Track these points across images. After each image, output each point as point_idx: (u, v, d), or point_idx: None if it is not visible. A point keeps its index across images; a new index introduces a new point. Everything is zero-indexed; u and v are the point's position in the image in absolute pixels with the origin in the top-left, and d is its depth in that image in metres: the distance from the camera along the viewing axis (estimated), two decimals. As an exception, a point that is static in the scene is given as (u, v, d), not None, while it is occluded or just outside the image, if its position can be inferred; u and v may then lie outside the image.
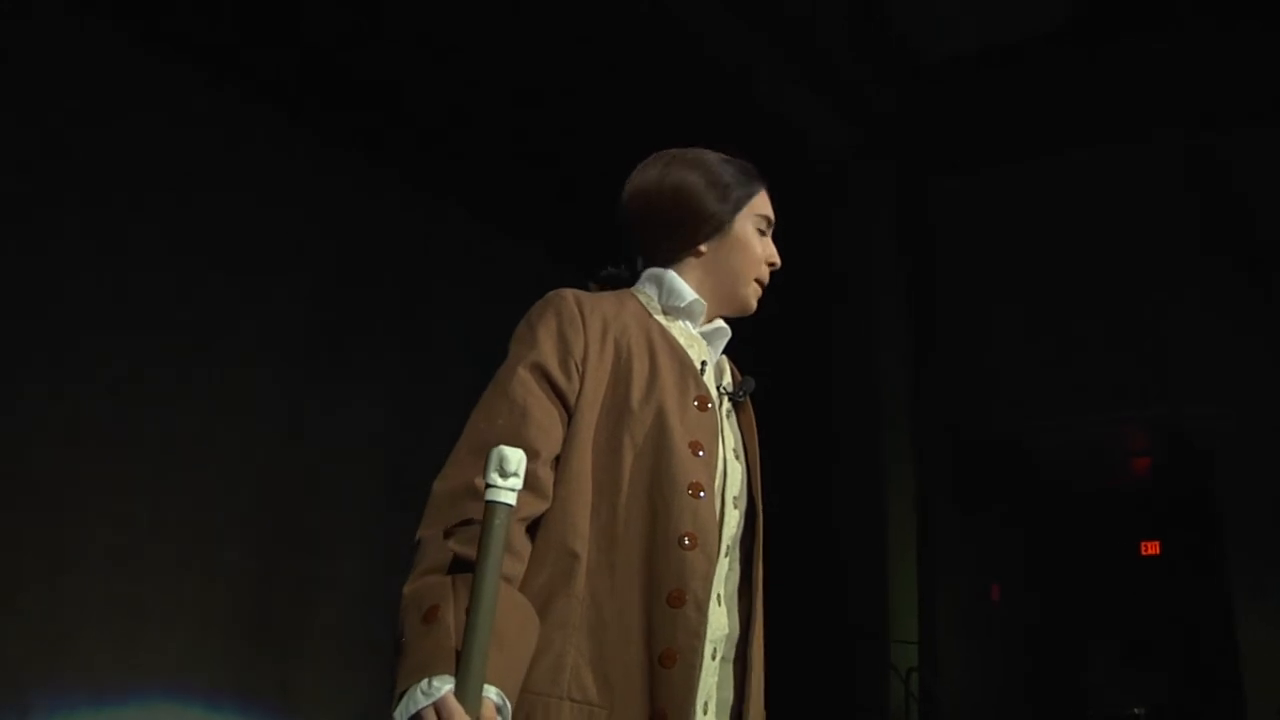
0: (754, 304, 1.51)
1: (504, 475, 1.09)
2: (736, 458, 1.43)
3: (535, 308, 1.37)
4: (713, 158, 1.49)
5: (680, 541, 1.28)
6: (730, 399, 1.47)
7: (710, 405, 1.38)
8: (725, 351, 1.55)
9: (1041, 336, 6.27)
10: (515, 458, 1.09)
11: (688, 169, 1.46)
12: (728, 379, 1.51)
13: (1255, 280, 5.92)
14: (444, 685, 1.06)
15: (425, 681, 1.06)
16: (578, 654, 1.23)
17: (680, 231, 1.46)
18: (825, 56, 5.77)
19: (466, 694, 1.05)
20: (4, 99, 3.88)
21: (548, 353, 1.31)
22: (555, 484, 1.27)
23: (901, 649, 6.16)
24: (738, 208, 1.47)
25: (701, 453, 1.34)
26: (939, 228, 6.72)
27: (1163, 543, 8.23)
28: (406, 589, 1.17)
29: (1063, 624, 8.46)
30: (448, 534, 1.19)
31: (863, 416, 6.40)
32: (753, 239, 1.48)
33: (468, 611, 1.08)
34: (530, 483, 1.22)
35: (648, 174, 1.48)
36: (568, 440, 1.29)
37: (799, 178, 6.17)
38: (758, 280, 1.49)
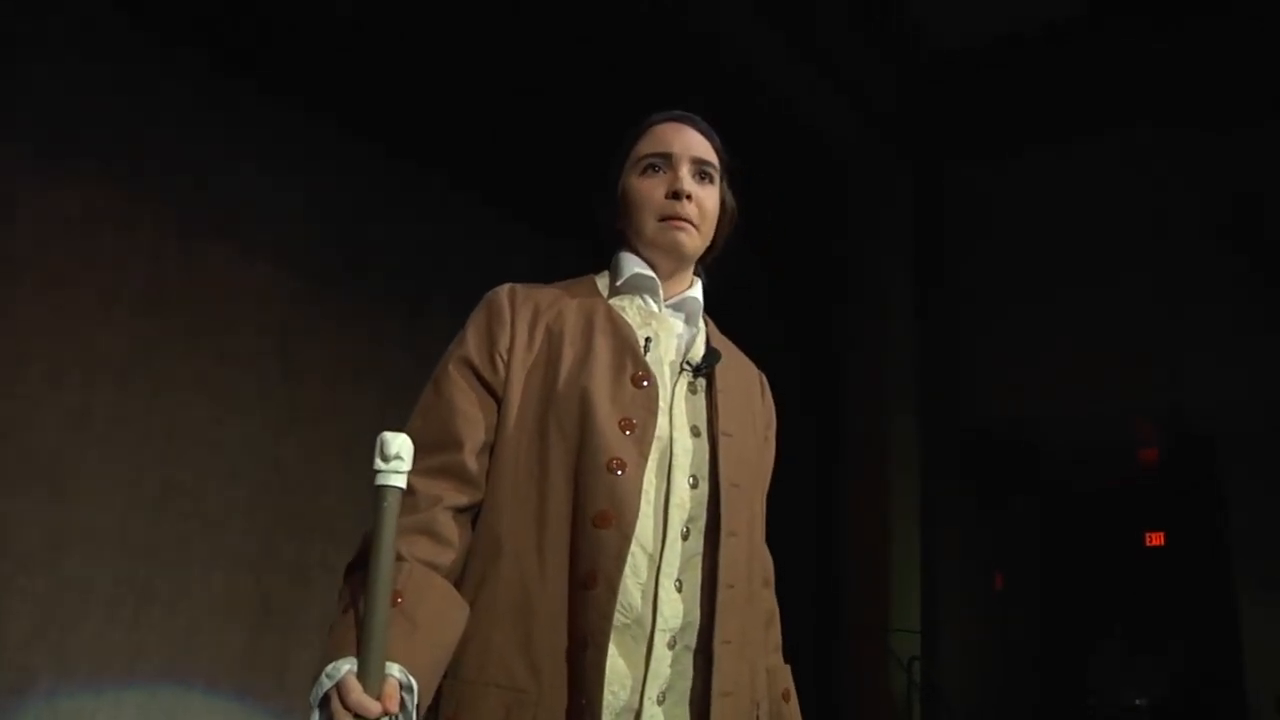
0: (678, 238, 1.43)
1: (385, 459, 1.11)
2: (696, 434, 1.37)
3: (476, 309, 1.42)
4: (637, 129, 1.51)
5: (594, 520, 1.25)
6: (693, 373, 1.40)
7: (647, 382, 1.34)
8: (730, 335, 1.51)
9: (1047, 326, 6.23)
10: (396, 442, 1.12)
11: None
12: (698, 352, 1.44)
13: (1268, 278, 5.88)
14: (344, 665, 1.08)
15: (331, 665, 1.09)
16: (505, 640, 1.23)
17: (607, 219, 1.49)
18: (836, 46, 5.72)
19: (366, 673, 1.07)
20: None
21: (474, 348, 1.36)
22: (488, 473, 1.30)
23: (904, 638, 6.16)
24: (620, 172, 1.48)
25: (630, 431, 1.30)
26: (948, 219, 6.69)
27: (1167, 534, 8.21)
28: (349, 577, 1.22)
29: (1066, 614, 8.45)
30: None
31: (867, 405, 6.38)
32: (634, 187, 1.45)
33: (364, 595, 1.10)
34: (455, 471, 1.28)
35: None
36: (499, 428, 1.32)
37: (809, 168, 6.14)
38: (664, 217, 1.42)
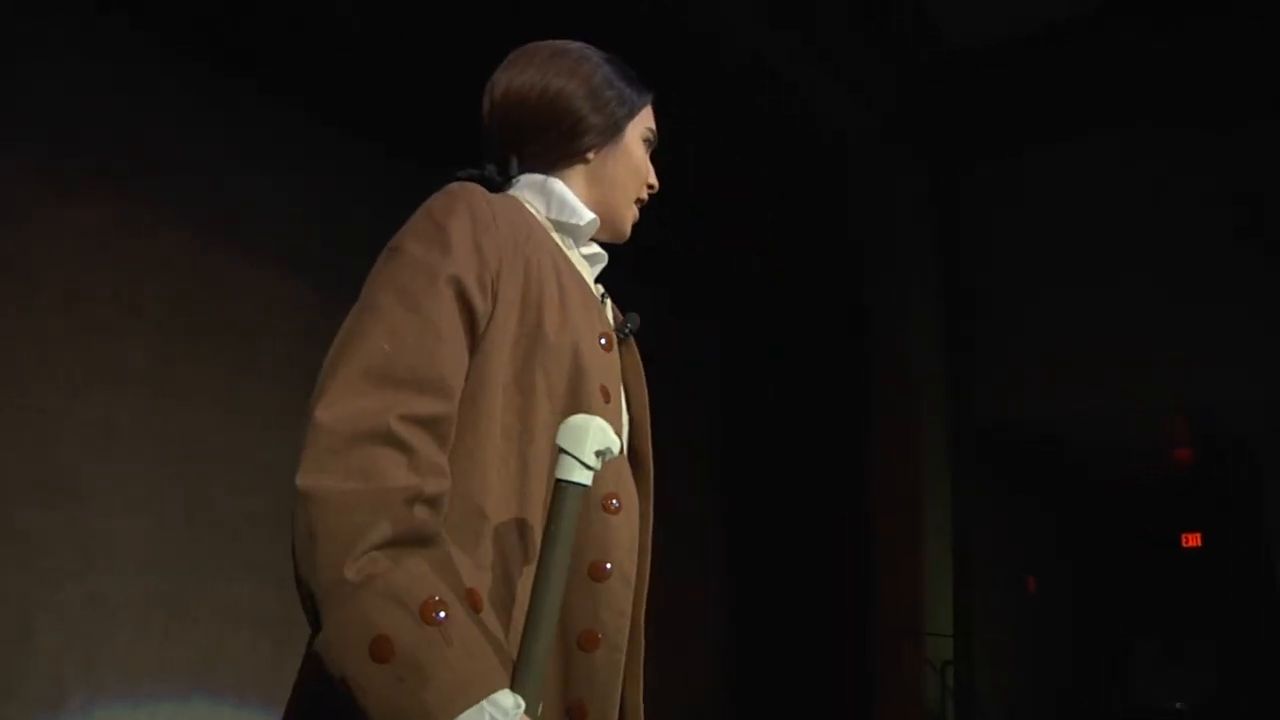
0: (628, 229, 1.32)
1: (603, 460, 0.94)
2: (624, 406, 1.22)
3: (438, 201, 1.11)
4: (598, 55, 1.30)
5: (605, 504, 1.08)
6: (619, 336, 1.24)
7: (612, 346, 1.19)
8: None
9: (1079, 325, 6.14)
10: (604, 437, 0.94)
11: (576, 64, 1.27)
12: (609, 313, 1.28)
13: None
14: (514, 705, 0.88)
15: (488, 703, 0.87)
16: None
17: (568, 134, 1.24)
18: (849, 46, 5.68)
19: (531, 709, 0.90)
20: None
21: (465, 266, 1.05)
22: (461, 428, 1.03)
23: (937, 643, 6.08)
24: (631, 113, 1.29)
25: (608, 401, 1.12)
26: (974, 215, 6.62)
27: (1204, 534, 8.08)
28: (348, 570, 0.89)
29: (1102, 617, 8.33)
30: (383, 494, 0.92)
31: (897, 408, 6.32)
32: (640, 154, 1.30)
33: (529, 612, 0.91)
34: (445, 429, 1.00)
35: (527, 72, 1.26)
36: (475, 374, 1.04)
37: (831, 167, 6.09)
38: (638, 200, 1.32)
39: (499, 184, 1.25)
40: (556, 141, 1.25)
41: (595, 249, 1.29)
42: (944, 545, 6.35)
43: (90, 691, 3.82)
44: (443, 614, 0.88)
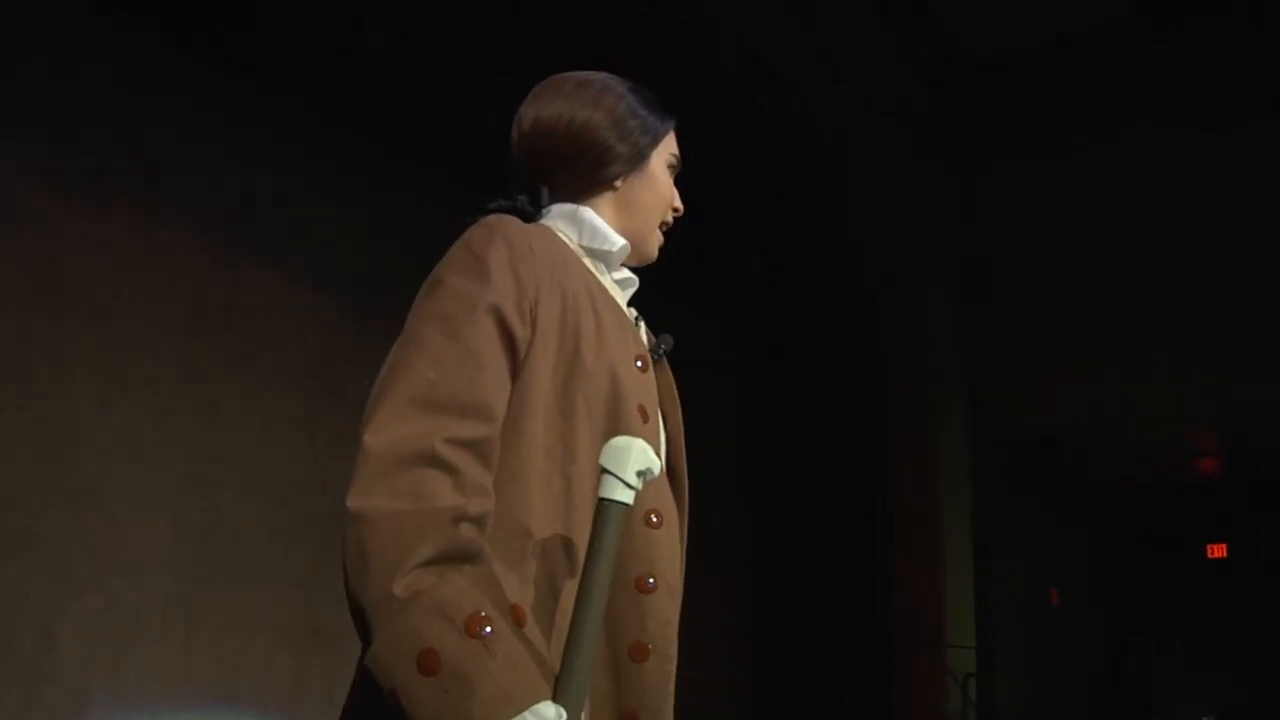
0: (655, 253, 1.38)
1: (628, 474, 0.98)
2: (661, 425, 1.28)
3: (476, 234, 1.17)
4: (622, 86, 1.35)
5: (648, 519, 1.14)
6: (656, 357, 1.31)
7: (649, 367, 1.25)
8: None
9: (1102, 333, 6.09)
10: (646, 457, 0.99)
11: (600, 95, 1.32)
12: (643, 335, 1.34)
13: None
14: (552, 712, 0.92)
15: (529, 713, 0.91)
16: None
17: (595, 164, 1.29)
18: (870, 51, 5.67)
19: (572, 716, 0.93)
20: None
21: (504, 294, 1.10)
22: (504, 450, 1.09)
23: (959, 654, 6.03)
24: (655, 141, 1.34)
25: (646, 421, 1.19)
26: (996, 223, 6.58)
27: (1230, 545, 7.99)
28: (396, 587, 0.94)
29: (1126, 628, 8.24)
30: (430, 514, 0.97)
31: (917, 418, 6.28)
32: (665, 180, 1.37)
33: (572, 626, 0.95)
34: (489, 452, 1.06)
35: (554, 104, 1.31)
36: (518, 399, 1.10)
37: (852, 177, 6.08)
38: (663, 224, 1.38)
39: (531, 214, 1.30)
40: (584, 171, 1.30)
41: (626, 274, 1.36)
42: (966, 557, 6.30)
43: (112, 700, 3.84)
44: (488, 628, 0.93)
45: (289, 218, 4.68)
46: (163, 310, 4.19)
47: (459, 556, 0.97)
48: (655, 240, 1.37)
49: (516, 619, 0.98)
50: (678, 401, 1.33)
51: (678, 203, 1.39)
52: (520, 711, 0.90)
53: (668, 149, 1.38)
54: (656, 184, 1.35)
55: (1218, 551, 8.05)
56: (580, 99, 1.31)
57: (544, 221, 1.29)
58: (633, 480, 0.98)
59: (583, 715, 0.96)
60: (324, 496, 4.61)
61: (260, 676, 4.27)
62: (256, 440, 4.43)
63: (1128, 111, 5.88)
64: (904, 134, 6.18)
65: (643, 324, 1.34)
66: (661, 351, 1.32)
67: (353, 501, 1.00)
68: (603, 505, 0.98)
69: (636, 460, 0.98)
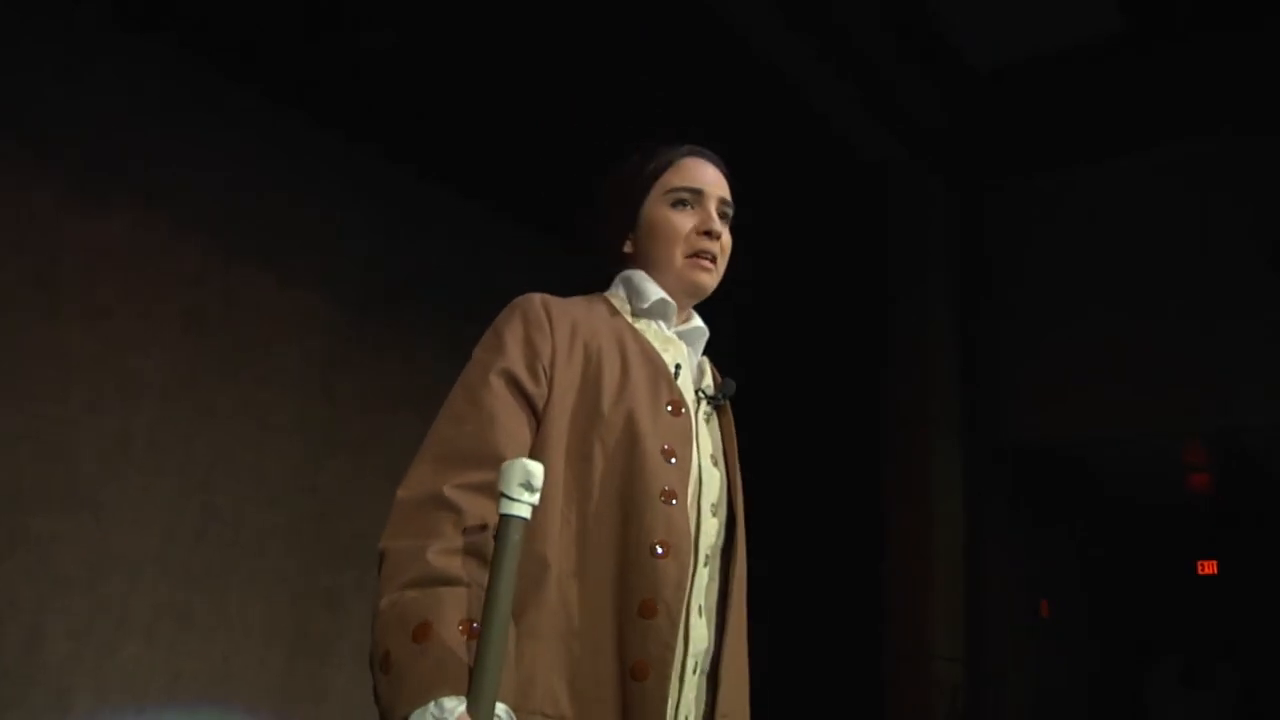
0: (703, 279, 1.47)
1: (530, 490, 1.10)
2: (715, 464, 1.41)
3: (502, 314, 1.39)
4: (634, 158, 1.50)
5: (653, 550, 1.25)
6: (710, 402, 1.44)
7: (684, 410, 1.36)
8: (708, 354, 1.55)
9: (1095, 347, 6.10)
10: (539, 473, 1.11)
11: (611, 174, 1.51)
12: (708, 381, 1.49)
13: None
14: (456, 706, 1.05)
15: (434, 704, 1.06)
16: (548, 666, 1.21)
17: (611, 237, 1.48)
18: (877, 64, 5.69)
19: (480, 714, 1.05)
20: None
21: (515, 358, 1.31)
22: None
23: (948, 666, 6.03)
24: (644, 193, 1.46)
25: (674, 459, 1.31)
26: (992, 238, 6.60)
27: (1220, 562, 8.00)
28: (383, 603, 1.15)
29: (1116, 643, 8.25)
30: (423, 546, 1.17)
31: (909, 429, 6.29)
32: (665, 218, 1.45)
33: (480, 627, 1.08)
34: (495, 492, 1.20)
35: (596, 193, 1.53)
36: (537, 446, 1.27)
37: (850, 188, 6.09)
38: (693, 254, 1.45)
39: (602, 284, 1.53)
40: (610, 244, 1.49)
41: (693, 324, 1.49)
42: (956, 568, 6.30)
43: (96, 702, 3.83)
44: (429, 636, 1.10)
45: (287, 221, 4.68)
46: (160, 312, 4.19)
47: (436, 580, 1.14)
48: (693, 271, 1.45)
49: (464, 631, 1.12)
50: (735, 445, 1.46)
51: (706, 225, 1.46)
52: (425, 702, 1.06)
53: (663, 188, 1.45)
54: (657, 229, 1.45)
55: (1208, 568, 8.06)
56: (604, 190, 1.51)
57: (608, 290, 1.50)
58: (513, 493, 1.10)
59: (500, 709, 1.08)
60: (316, 500, 4.61)
61: (249, 680, 4.26)
62: (251, 442, 4.43)
63: (1130, 127, 5.90)
64: (904, 149, 6.20)
65: (708, 371, 1.49)
66: (722, 397, 1.45)
67: (381, 543, 1.22)
68: (499, 520, 1.11)
69: (517, 475, 1.10)
